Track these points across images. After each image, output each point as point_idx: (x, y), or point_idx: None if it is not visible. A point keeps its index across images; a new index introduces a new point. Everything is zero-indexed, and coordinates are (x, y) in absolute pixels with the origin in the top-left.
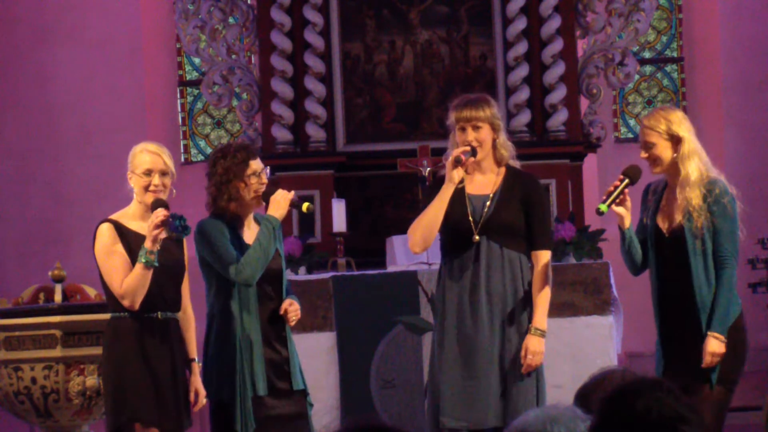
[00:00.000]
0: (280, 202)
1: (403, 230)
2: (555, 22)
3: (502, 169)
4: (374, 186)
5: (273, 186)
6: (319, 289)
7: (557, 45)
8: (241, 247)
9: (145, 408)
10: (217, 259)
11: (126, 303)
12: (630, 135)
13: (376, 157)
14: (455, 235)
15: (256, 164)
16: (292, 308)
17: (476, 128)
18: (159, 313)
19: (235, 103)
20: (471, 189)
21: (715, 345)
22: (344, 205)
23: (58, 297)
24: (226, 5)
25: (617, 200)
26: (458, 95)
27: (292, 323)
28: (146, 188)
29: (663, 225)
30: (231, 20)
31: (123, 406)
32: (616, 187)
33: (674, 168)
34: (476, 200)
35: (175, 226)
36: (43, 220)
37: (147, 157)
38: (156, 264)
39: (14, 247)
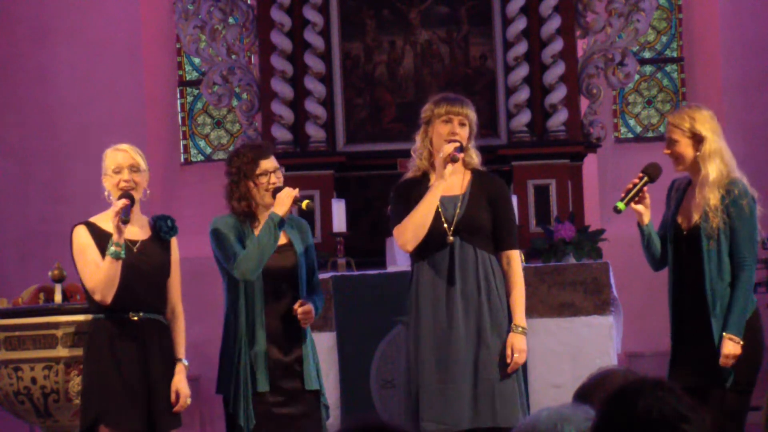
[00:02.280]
0: (284, 199)
1: None
2: (555, 22)
3: (468, 172)
4: (374, 186)
5: (282, 184)
6: None
7: (557, 45)
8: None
9: (110, 410)
10: (221, 254)
11: (97, 297)
12: (630, 135)
13: (376, 157)
14: (429, 237)
15: (266, 163)
16: (301, 309)
17: (462, 125)
18: (131, 313)
19: (235, 103)
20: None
21: (730, 347)
22: (344, 205)
23: (58, 297)
24: (226, 5)
25: (636, 198)
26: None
27: (304, 325)
28: (117, 186)
29: (682, 223)
30: (231, 20)
31: (89, 408)
32: (635, 185)
33: (696, 166)
34: (447, 201)
35: (160, 225)
36: (43, 220)
37: (117, 155)
38: (122, 256)
39: (14, 247)
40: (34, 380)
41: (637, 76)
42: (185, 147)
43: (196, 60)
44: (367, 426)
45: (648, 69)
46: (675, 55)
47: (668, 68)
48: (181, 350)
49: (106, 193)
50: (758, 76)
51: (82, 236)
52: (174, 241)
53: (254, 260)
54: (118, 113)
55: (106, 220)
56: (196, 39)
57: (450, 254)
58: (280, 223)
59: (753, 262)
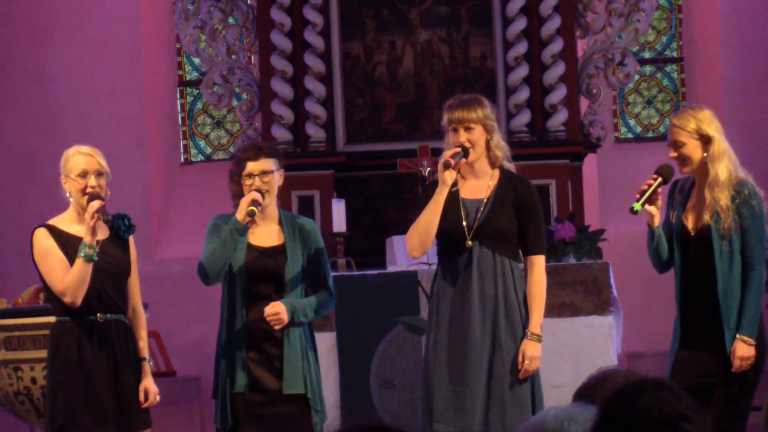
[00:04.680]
0: (242, 204)
1: (403, 230)
2: (555, 22)
3: (496, 172)
4: (374, 186)
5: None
6: None
7: (557, 45)
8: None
9: (78, 417)
10: None
11: (67, 299)
12: (630, 135)
13: (376, 157)
14: (449, 239)
15: (253, 165)
16: (271, 310)
17: (468, 129)
18: (99, 315)
19: (235, 103)
20: (465, 193)
21: (744, 349)
22: (344, 205)
23: None
24: (226, 5)
25: (650, 199)
26: (457, 95)
27: (275, 326)
28: (83, 191)
29: (689, 224)
30: (231, 20)
31: (56, 414)
32: (649, 186)
33: (703, 167)
34: (470, 205)
35: (118, 225)
36: (43, 220)
37: (81, 159)
38: (95, 258)
39: (14, 247)
40: (34, 380)
41: (637, 76)
42: (185, 147)
43: (196, 60)
44: (367, 426)
45: (648, 69)
46: (675, 55)
47: (668, 68)
48: (144, 350)
49: (67, 195)
50: (758, 76)
51: (43, 239)
52: (131, 240)
53: (207, 267)
54: (118, 113)
55: (66, 222)
56: (196, 39)
57: (468, 258)
58: (239, 229)
59: (763, 261)
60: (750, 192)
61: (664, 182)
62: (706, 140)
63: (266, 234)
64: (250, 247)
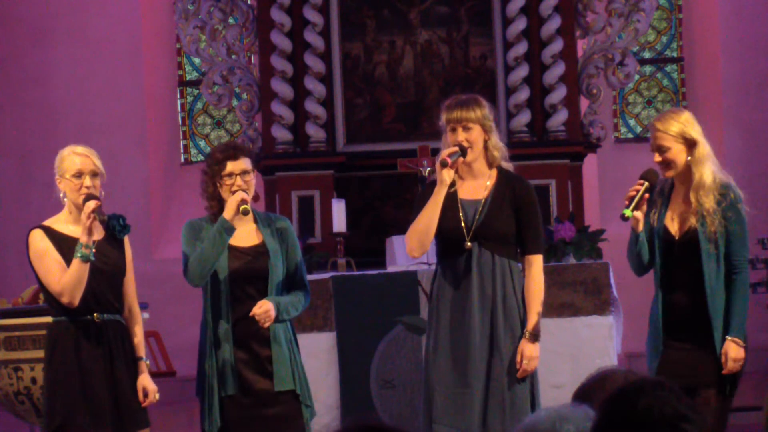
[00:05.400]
0: (230, 204)
1: (403, 230)
2: (555, 22)
3: (494, 172)
4: (374, 186)
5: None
6: (319, 289)
7: (557, 45)
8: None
9: (75, 415)
10: (183, 260)
11: (65, 300)
12: (630, 135)
13: (376, 157)
14: (448, 241)
15: (234, 165)
16: (259, 311)
17: (466, 129)
18: (95, 315)
19: (235, 103)
20: (463, 194)
21: (736, 350)
22: (344, 205)
23: None
24: (226, 5)
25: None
26: (456, 95)
27: (263, 325)
28: (78, 191)
29: (672, 227)
30: (231, 20)
31: (54, 414)
32: (637, 191)
33: (686, 171)
34: (468, 206)
35: (113, 225)
36: (43, 220)
37: (76, 159)
38: (92, 258)
39: (14, 247)
40: (34, 380)
41: (637, 76)
42: (185, 147)
43: (196, 60)
44: (367, 426)
45: (648, 69)
46: (675, 55)
47: (668, 68)
48: (141, 349)
49: (61, 195)
50: (758, 76)
51: (39, 240)
52: (126, 240)
53: (197, 269)
54: (118, 113)
55: (61, 223)
56: (196, 39)
57: (468, 260)
58: (228, 228)
59: (747, 264)
60: (735, 195)
61: (651, 187)
62: (690, 143)
63: (244, 234)
64: (230, 248)
